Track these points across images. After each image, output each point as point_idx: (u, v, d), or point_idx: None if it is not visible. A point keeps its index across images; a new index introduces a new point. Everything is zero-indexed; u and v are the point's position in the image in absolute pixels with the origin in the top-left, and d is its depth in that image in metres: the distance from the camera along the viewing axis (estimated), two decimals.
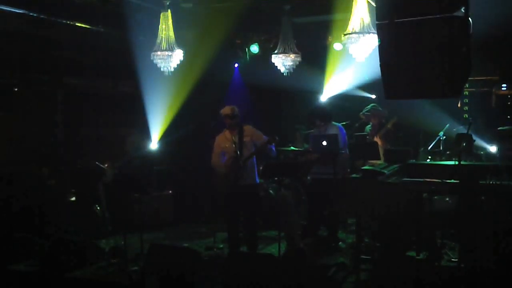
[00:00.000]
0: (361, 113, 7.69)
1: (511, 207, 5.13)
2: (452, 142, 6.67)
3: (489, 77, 7.91)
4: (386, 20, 3.74)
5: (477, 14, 3.80)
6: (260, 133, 6.45)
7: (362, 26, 5.62)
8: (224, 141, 6.45)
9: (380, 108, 7.60)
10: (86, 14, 7.11)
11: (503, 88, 7.88)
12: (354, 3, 5.68)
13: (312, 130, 7.15)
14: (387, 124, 7.34)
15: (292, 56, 7.14)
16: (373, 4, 5.25)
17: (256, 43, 8.54)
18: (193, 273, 5.05)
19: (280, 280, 5.01)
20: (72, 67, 8.04)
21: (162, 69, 6.74)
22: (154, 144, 8.65)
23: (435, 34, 3.57)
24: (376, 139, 7.33)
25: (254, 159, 6.49)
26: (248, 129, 6.44)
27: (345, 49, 5.94)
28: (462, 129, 6.96)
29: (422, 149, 7.39)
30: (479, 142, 7.00)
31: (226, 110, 6.40)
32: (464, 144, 5.86)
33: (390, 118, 7.37)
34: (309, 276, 5.16)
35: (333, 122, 6.88)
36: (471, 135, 5.77)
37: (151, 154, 8.59)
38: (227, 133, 6.43)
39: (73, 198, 7.64)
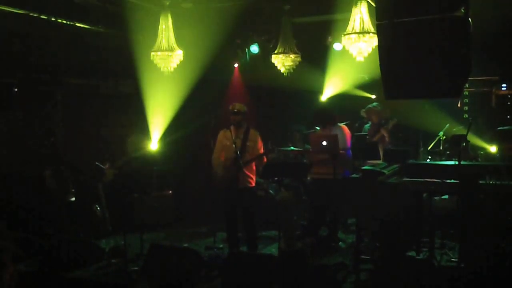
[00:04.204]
0: (363, 109, 7.68)
1: (511, 207, 5.13)
2: (450, 143, 6.69)
3: (489, 77, 7.89)
4: (386, 20, 3.74)
5: (477, 14, 3.80)
6: (261, 144, 6.49)
7: (362, 26, 5.62)
8: (225, 138, 6.47)
9: (380, 108, 7.59)
10: (86, 14, 7.11)
11: (503, 88, 7.87)
12: (354, 3, 5.68)
13: (312, 130, 7.15)
14: (387, 125, 7.34)
15: (292, 56, 7.14)
16: (373, 4, 5.25)
17: (256, 43, 8.53)
18: (193, 273, 5.05)
19: (280, 280, 5.02)
20: (72, 67, 8.03)
21: (162, 69, 6.74)
22: (154, 144, 8.65)
23: (435, 34, 3.57)
24: (382, 134, 7.28)
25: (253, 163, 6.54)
26: (253, 134, 6.45)
27: (345, 49, 5.93)
28: (462, 129, 6.96)
29: (422, 149, 7.39)
30: (478, 142, 7.01)
31: (233, 105, 6.47)
32: (464, 144, 5.87)
33: (390, 119, 7.36)
34: (309, 276, 5.16)
35: (339, 123, 6.89)
36: (465, 136, 5.76)
37: (151, 154, 8.58)
38: (230, 131, 6.41)
39: (73, 198, 7.63)
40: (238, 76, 9.54)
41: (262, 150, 6.49)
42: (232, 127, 6.42)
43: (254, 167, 6.52)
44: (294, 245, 6.49)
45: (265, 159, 6.60)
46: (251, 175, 6.46)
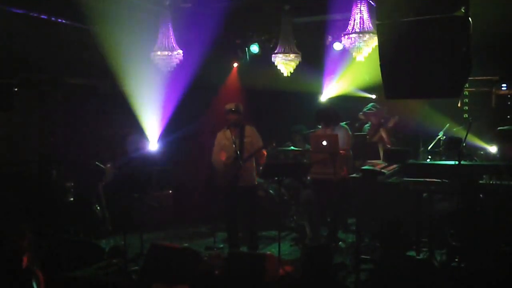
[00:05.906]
0: (360, 112, 7.68)
1: (511, 207, 5.13)
2: (446, 144, 6.69)
3: (489, 77, 7.89)
4: (386, 20, 3.75)
5: (477, 14, 3.81)
6: (259, 137, 6.51)
7: (362, 26, 5.62)
8: (224, 139, 6.48)
9: (378, 107, 7.58)
10: (86, 14, 7.10)
11: (503, 88, 7.87)
12: (354, 3, 5.68)
13: (312, 130, 7.14)
14: (388, 123, 7.33)
15: (292, 56, 7.14)
16: (373, 4, 5.26)
17: (256, 43, 8.53)
18: (193, 273, 5.05)
19: (281, 280, 5.02)
20: (72, 67, 8.03)
21: (162, 69, 6.74)
22: (154, 144, 8.65)
23: (435, 34, 3.58)
24: (381, 134, 7.28)
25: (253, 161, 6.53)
26: (249, 130, 6.48)
27: (345, 49, 5.94)
28: (462, 129, 6.97)
29: (422, 149, 7.38)
30: (478, 142, 7.01)
31: (230, 105, 6.47)
32: (464, 144, 5.86)
33: (391, 117, 7.35)
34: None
35: (341, 124, 6.89)
36: (461, 139, 5.76)
37: (151, 154, 8.59)
38: (228, 131, 6.44)
39: (73, 198, 7.63)
40: (235, 76, 9.51)
41: (261, 143, 6.50)
42: (229, 128, 6.44)
43: (254, 164, 6.53)
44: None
45: (264, 153, 6.59)
46: (252, 173, 6.45)
